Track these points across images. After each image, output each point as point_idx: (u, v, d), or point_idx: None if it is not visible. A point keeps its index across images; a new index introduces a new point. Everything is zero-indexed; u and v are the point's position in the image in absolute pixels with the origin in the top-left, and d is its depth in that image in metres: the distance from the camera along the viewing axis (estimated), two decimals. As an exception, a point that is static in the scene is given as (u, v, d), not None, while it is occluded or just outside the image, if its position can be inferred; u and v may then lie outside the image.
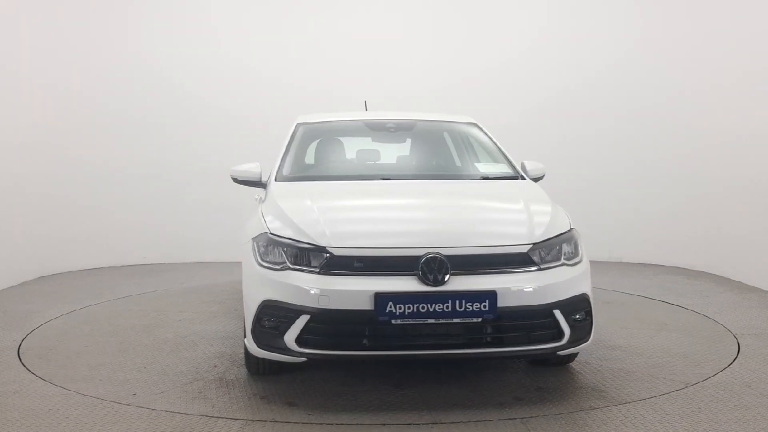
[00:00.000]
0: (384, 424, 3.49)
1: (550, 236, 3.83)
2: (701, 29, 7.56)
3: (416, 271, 3.55)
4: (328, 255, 3.63)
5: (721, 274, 7.32)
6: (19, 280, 7.26)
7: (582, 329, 3.81)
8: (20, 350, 4.83)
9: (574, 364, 4.40)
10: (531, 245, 3.73)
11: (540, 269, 3.70)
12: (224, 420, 3.54)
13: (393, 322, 3.49)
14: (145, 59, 8.37)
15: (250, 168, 4.85)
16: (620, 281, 7.11)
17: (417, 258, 3.56)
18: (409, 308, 3.49)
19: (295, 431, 3.42)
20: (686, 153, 7.80)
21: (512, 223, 4.07)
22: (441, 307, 3.50)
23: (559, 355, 4.03)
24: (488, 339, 3.63)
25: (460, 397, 3.85)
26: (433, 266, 3.55)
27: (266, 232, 3.88)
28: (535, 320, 3.64)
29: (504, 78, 8.53)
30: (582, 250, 3.98)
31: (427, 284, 3.53)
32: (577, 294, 3.75)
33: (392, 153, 5.50)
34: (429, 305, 3.49)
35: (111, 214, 8.26)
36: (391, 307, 3.48)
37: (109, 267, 8.19)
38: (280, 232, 3.84)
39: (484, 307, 3.51)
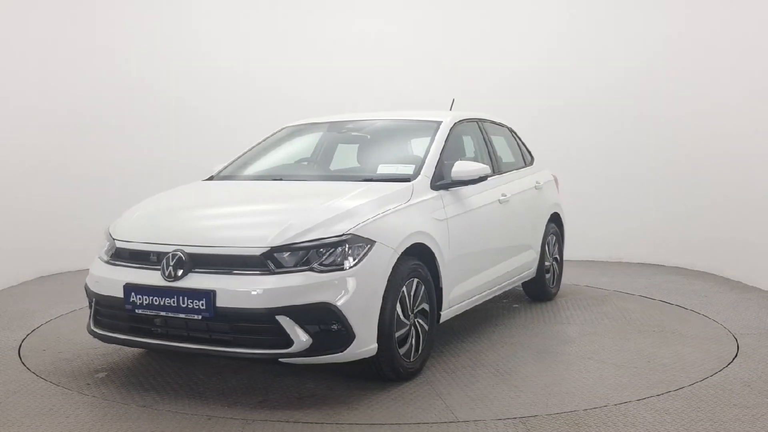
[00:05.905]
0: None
1: (298, 241, 3.70)
2: (719, 37, 7.35)
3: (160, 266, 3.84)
4: (113, 247, 4.18)
5: (721, 274, 7.33)
6: (19, 280, 7.27)
7: (332, 339, 3.64)
8: (20, 350, 4.84)
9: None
10: (267, 248, 3.68)
11: (272, 273, 3.64)
12: (224, 420, 3.55)
13: (136, 311, 3.83)
14: (146, 61, 8.39)
15: (216, 168, 5.35)
16: (620, 281, 7.12)
17: (164, 254, 3.85)
18: (146, 300, 3.80)
19: (296, 431, 3.43)
20: (686, 153, 7.80)
21: (264, 224, 3.92)
22: (170, 301, 3.73)
23: (380, 369, 3.92)
24: (209, 337, 3.74)
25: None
26: (171, 262, 3.79)
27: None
28: (255, 324, 3.62)
29: (511, 81, 8.52)
30: (362, 258, 3.73)
31: (164, 279, 3.78)
32: (315, 302, 3.59)
33: (348, 153, 5.47)
34: (161, 299, 3.76)
35: (111, 214, 8.15)
36: (133, 297, 3.83)
37: (109, 267, 8.18)
38: (110, 227, 4.39)
39: (202, 305, 3.66)
